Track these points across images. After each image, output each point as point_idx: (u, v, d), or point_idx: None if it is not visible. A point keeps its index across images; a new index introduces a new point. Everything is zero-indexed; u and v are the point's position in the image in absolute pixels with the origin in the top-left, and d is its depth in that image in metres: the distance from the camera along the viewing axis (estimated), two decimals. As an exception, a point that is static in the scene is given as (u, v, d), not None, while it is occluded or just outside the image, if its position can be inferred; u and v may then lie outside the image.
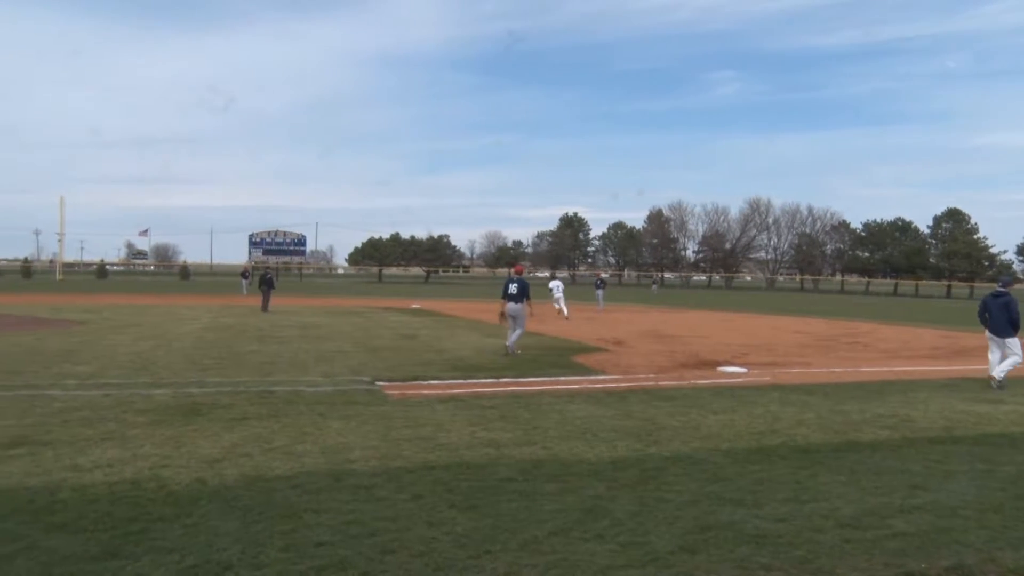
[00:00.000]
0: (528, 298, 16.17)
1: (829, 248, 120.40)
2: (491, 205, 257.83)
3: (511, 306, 16.14)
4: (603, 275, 47.20)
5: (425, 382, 11.89)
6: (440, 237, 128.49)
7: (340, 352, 15.79)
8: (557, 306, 31.29)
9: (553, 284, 32.93)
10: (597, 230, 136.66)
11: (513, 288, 16.20)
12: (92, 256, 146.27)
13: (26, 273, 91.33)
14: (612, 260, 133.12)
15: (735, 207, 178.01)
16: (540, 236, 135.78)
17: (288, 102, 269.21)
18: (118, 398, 9.83)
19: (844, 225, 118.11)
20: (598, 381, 12.48)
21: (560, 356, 15.91)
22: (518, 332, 16.15)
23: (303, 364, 13.71)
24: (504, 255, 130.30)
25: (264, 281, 30.95)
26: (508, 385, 11.74)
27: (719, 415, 9.58)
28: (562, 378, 12.65)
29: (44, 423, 8.23)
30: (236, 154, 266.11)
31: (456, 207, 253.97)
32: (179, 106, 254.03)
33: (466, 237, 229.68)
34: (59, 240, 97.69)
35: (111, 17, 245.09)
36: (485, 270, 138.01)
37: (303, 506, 5.54)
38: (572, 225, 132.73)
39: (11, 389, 10.34)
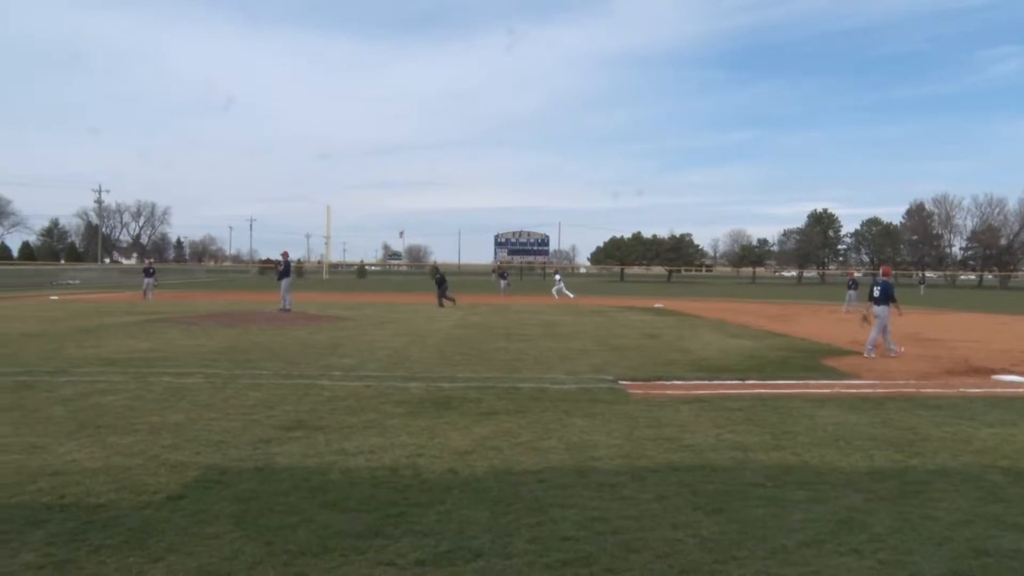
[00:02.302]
0: (893, 300, 16.26)
1: None
2: (735, 203, 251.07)
3: (875, 308, 16.32)
4: (856, 275, 44.24)
5: (668, 382, 11.77)
6: (682, 236, 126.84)
7: (583, 351, 16.00)
8: (558, 295, 41.86)
9: (556, 277, 45.42)
10: (849, 227, 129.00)
11: (876, 291, 16.40)
12: (353, 257, 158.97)
13: (298, 273, 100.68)
14: (866, 258, 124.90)
15: (1013, 198, 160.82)
16: (787, 234, 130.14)
17: (533, 104, 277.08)
18: (378, 389, 10.57)
19: None
20: (851, 386, 11.76)
21: (809, 358, 15.16)
22: (876, 333, 16.10)
23: (547, 362, 14.03)
24: (748, 254, 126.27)
25: (434, 277, 33.02)
26: (754, 387, 11.35)
27: (995, 428, 8.68)
28: (812, 381, 12.04)
29: (316, 410, 9.03)
30: (484, 157, 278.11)
31: (699, 205, 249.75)
32: (431, 114, 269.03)
33: (709, 236, 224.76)
34: (326, 243, 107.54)
35: (369, 35, 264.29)
36: (729, 269, 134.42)
37: (549, 501, 5.67)
38: (821, 222, 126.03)
39: (290, 378, 11.44)
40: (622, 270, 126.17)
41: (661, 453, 7.23)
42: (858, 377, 12.74)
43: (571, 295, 42.54)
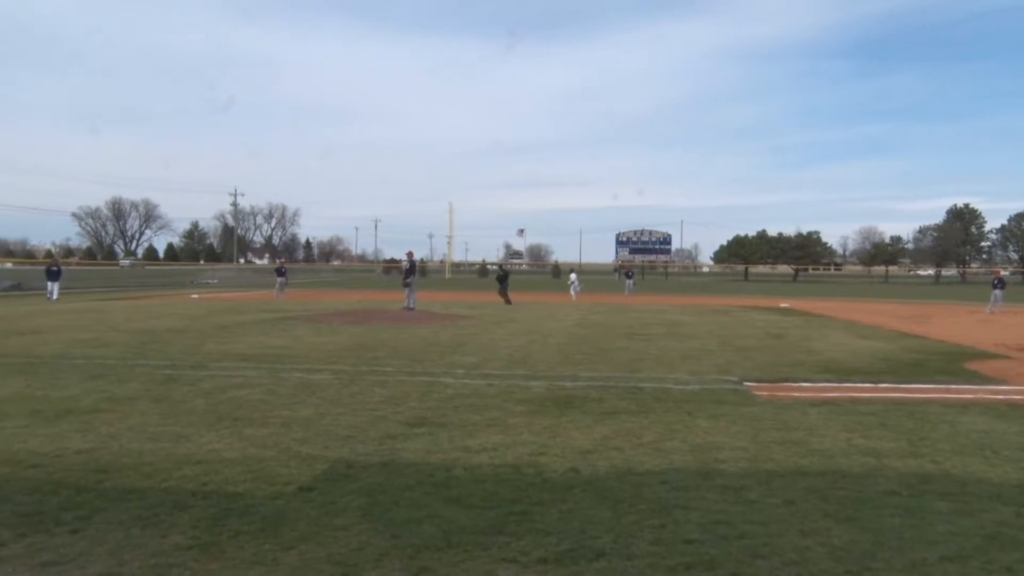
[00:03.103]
0: None
1: None
2: (866, 199, 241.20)
3: None
4: (1002, 273, 41.67)
5: (795, 384, 11.40)
6: (809, 234, 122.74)
7: (706, 351, 15.69)
8: (573, 292, 41.71)
9: (572, 276, 44.27)
10: (994, 222, 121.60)
11: None
12: (475, 256, 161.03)
13: (421, 272, 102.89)
14: (1014, 255, 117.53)
15: None
16: (923, 231, 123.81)
17: (656, 102, 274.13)
18: (500, 388, 10.66)
19: None
20: (998, 392, 11.07)
21: (949, 362, 14.38)
22: None
23: (670, 362, 13.83)
24: (880, 252, 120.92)
25: (501, 278, 35.43)
26: (888, 391, 10.85)
27: None
28: (952, 386, 11.40)
29: (440, 407, 9.18)
30: (606, 155, 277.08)
31: (827, 202, 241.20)
32: (551, 114, 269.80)
33: (838, 233, 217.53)
34: (448, 242, 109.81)
35: (493, 36, 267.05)
36: (859, 268, 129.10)
37: (672, 502, 5.58)
38: (962, 217, 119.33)
39: (414, 375, 11.68)
40: (746, 269, 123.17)
41: (788, 457, 7.00)
42: (1006, 382, 11.98)
43: (573, 295, 41.44)
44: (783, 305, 35.92)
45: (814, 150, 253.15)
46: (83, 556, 4.49)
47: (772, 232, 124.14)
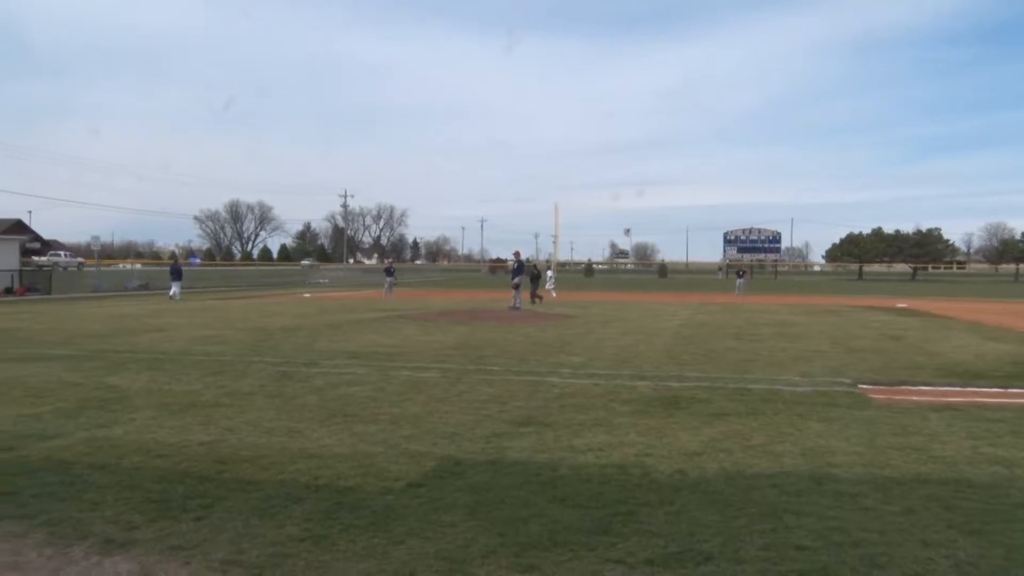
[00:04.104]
0: None
1: None
2: (992, 193, 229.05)
3: None
4: None
5: (914, 387, 10.92)
6: (929, 231, 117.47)
7: (818, 352, 15.21)
8: (549, 287, 40.84)
9: (548, 273, 44.61)
10: None
11: None
12: (580, 256, 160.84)
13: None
14: None
15: None
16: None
17: (761, 98, 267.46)
18: (606, 388, 10.60)
19: None
20: None
21: (1086, 366, 13.50)
22: None
23: (780, 363, 13.47)
24: (1010, 249, 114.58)
25: (529, 274, 33.89)
26: (1019, 396, 10.27)
27: None
28: (1090, 392, 10.71)
29: (546, 406, 9.20)
30: (710, 154, 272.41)
31: (949, 197, 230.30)
32: (656, 111, 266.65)
33: (961, 230, 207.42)
34: (554, 242, 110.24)
35: (596, 34, 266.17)
36: (985, 266, 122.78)
37: (783, 507, 5.44)
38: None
39: (520, 375, 11.74)
40: (860, 268, 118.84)
41: (907, 463, 6.71)
42: None
43: (554, 294, 40.25)
44: (900, 305, 34.50)
45: (933, 143, 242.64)
46: (206, 543, 4.70)
47: (888, 229, 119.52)
